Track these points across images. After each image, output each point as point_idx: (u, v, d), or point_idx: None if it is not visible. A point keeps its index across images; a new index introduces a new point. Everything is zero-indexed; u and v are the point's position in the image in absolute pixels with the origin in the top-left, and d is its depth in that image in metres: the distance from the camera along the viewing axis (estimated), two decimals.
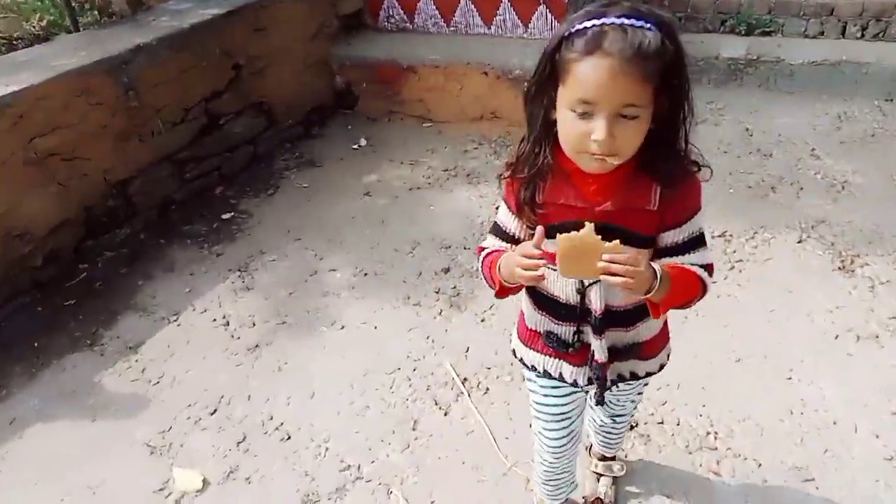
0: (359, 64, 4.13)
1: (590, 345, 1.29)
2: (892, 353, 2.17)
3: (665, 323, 1.38)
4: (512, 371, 2.25)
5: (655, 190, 1.13)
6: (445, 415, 2.14)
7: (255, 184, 3.62)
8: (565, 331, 1.30)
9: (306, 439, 2.12)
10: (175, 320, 2.69)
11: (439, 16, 4.19)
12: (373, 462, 2.02)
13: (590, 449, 1.88)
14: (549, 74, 1.07)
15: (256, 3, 3.63)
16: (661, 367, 1.40)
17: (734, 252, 2.67)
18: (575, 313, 1.26)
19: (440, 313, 2.56)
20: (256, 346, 2.52)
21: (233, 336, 2.58)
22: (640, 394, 1.55)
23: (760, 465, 1.86)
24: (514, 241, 1.26)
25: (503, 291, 1.24)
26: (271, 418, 2.22)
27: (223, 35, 3.47)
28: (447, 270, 2.78)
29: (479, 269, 1.30)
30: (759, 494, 1.79)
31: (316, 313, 2.65)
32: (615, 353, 1.30)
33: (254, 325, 2.63)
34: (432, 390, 2.23)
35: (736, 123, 3.62)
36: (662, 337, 1.38)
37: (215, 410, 2.27)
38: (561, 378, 1.36)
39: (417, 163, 3.65)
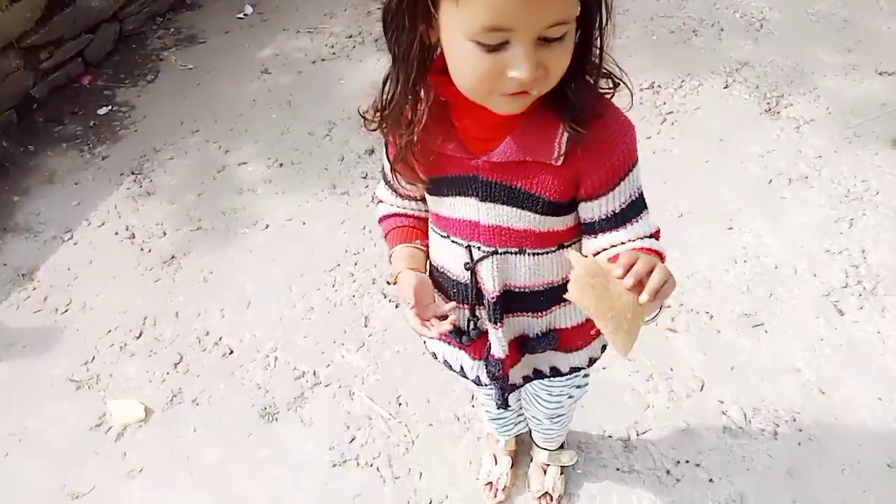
0: None
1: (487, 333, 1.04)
2: (821, 192, 2.24)
3: None
4: None
5: (561, 134, 0.82)
6: (396, 307, 2.04)
7: (130, 69, 3.13)
8: (459, 315, 1.03)
9: (251, 351, 1.98)
10: (69, 238, 2.37)
11: None
12: (328, 365, 1.92)
13: (531, 437, 1.60)
14: None
15: None
16: (592, 361, 1.14)
17: (664, 104, 2.60)
18: (468, 293, 1.00)
19: (372, 200, 2.38)
20: (172, 257, 2.27)
21: (142, 249, 2.31)
22: (579, 387, 1.27)
23: (712, 316, 1.91)
24: (406, 194, 1.03)
25: None
26: (207, 334, 2.04)
27: None
28: (371, 152, 2.57)
29: (378, 220, 1.09)
30: (715, 344, 1.85)
31: (233, 214, 2.40)
32: (526, 344, 1.05)
33: (164, 234, 2.36)
34: (378, 283, 2.11)
35: None
36: (588, 326, 1.08)
37: (140, 333, 2.06)
38: (462, 372, 1.13)
39: (317, 30, 3.26)
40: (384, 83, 0.86)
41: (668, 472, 1.61)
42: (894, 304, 1.90)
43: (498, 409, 1.12)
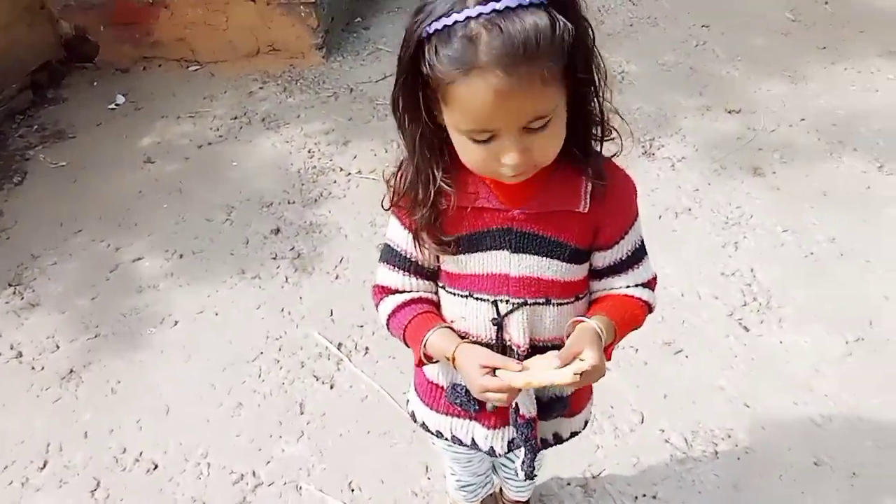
0: (88, 4, 3.40)
1: None
2: (705, 221, 2.46)
3: None
4: None
5: (586, 187, 0.92)
6: (331, 388, 1.97)
7: None
8: None
9: (179, 461, 1.82)
10: None
11: None
12: (268, 462, 1.81)
13: (500, 492, 1.62)
14: (416, 87, 0.82)
15: None
16: (586, 423, 1.20)
17: None
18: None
19: (286, 281, 2.32)
20: (71, 371, 2.07)
21: (34, 368, 2.09)
22: None
23: (637, 349, 2.01)
24: (415, 269, 1.02)
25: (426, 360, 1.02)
26: (124, 451, 1.86)
27: None
28: (277, 231, 2.51)
29: (384, 323, 1.06)
30: (645, 376, 1.95)
31: (136, 314, 2.24)
32: (540, 409, 1.05)
33: (57, 347, 2.15)
34: (308, 366, 2.04)
35: None
36: (589, 385, 1.17)
37: (45, 463, 1.84)
38: (474, 445, 1.12)
39: (199, 114, 3.18)
40: (398, 169, 0.96)
41: None
42: (788, 315, 2.10)
43: (526, 479, 1.10)
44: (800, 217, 2.45)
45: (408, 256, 1.02)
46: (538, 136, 0.82)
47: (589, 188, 0.93)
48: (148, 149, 2.99)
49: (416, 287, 1.04)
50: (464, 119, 0.80)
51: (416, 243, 0.99)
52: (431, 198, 0.92)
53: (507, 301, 0.98)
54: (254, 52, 3.49)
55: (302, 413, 1.92)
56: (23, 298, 2.31)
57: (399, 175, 0.96)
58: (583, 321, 0.97)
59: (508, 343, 1.00)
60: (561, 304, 1.00)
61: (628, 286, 1.02)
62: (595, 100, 0.88)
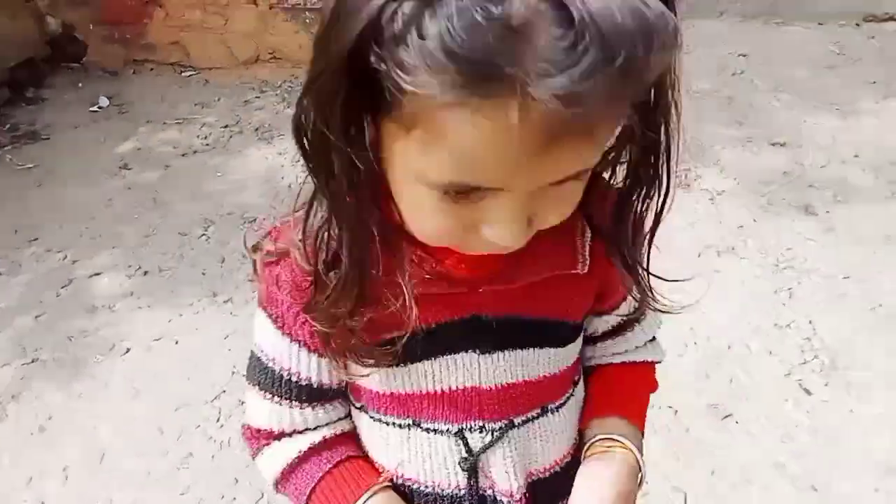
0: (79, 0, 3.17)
1: None
2: (752, 263, 2.12)
3: None
4: None
5: (583, 239, 0.60)
6: None
7: None
8: None
9: None
10: None
11: None
12: None
13: None
14: (353, 103, 0.44)
15: None
16: None
17: None
18: None
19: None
20: None
21: None
22: None
23: (677, 411, 1.66)
24: (311, 394, 0.64)
25: None
26: None
27: None
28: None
29: (271, 486, 0.68)
30: (687, 445, 1.59)
31: (83, 339, 1.91)
32: None
33: None
34: None
35: None
36: None
37: None
38: None
39: (187, 121, 2.91)
40: (316, 237, 0.53)
41: None
42: (858, 378, 1.75)
43: None
44: (862, 263, 2.11)
45: (294, 379, 0.63)
46: (556, 192, 0.47)
47: (588, 239, 0.60)
48: (126, 155, 2.70)
49: (315, 420, 0.66)
50: (449, 166, 0.43)
51: (337, 364, 0.61)
52: (367, 294, 0.54)
53: (482, 428, 0.63)
54: (253, 59, 3.24)
55: None
56: None
57: (317, 248, 0.54)
58: (610, 452, 0.65)
59: (489, 492, 0.65)
60: (561, 407, 0.67)
61: (637, 347, 0.74)
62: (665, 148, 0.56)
